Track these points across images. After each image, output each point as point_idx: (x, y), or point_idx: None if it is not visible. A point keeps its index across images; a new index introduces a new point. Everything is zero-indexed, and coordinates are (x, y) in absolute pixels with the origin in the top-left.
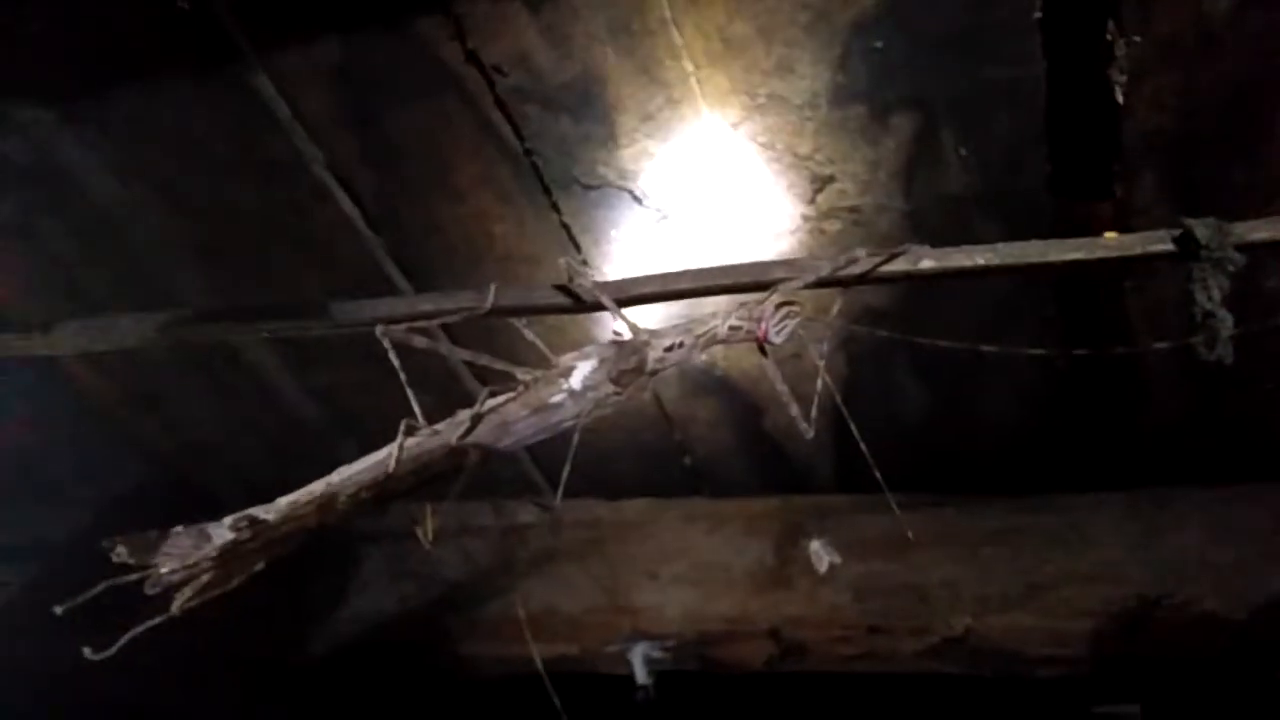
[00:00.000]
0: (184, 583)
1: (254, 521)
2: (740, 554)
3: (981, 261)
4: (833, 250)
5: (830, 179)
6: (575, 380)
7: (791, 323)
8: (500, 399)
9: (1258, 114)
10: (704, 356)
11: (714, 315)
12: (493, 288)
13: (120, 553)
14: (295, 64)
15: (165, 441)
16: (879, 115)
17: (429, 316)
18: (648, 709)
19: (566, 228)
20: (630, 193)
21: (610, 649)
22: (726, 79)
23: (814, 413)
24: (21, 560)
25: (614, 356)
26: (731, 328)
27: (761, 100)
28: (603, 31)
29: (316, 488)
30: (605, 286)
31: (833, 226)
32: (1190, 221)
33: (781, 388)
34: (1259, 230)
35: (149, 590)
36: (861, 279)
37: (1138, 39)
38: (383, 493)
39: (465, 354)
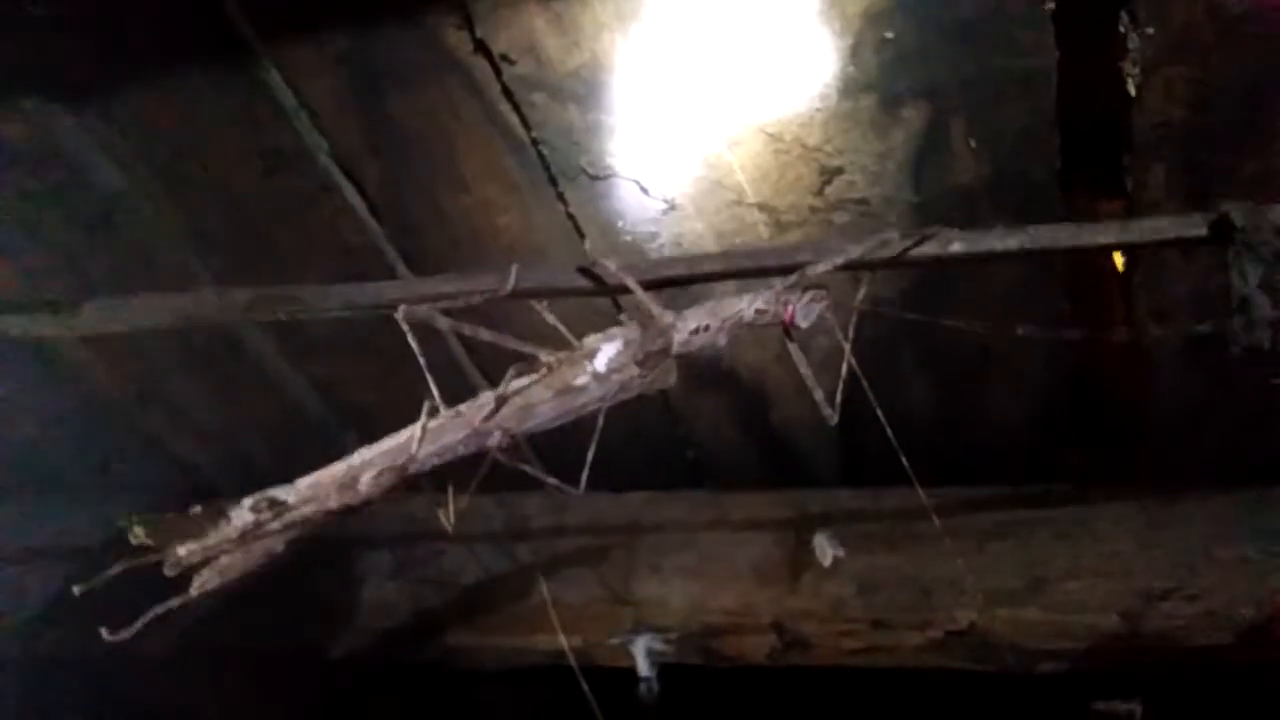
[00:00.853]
0: (203, 564)
1: (274, 503)
2: (743, 547)
3: (1013, 245)
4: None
5: (839, 170)
6: (600, 363)
7: (818, 306)
8: (524, 380)
9: (1271, 107)
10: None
11: (740, 298)
12: (514, 269)
13: (137, 534)
14: (301, 52)
15: (168, 433)
16: (889, 106)
17: (450, 298)
18: (650, 702)
19: (573, 218)
20: (637, 183)
21: (613, 641)
22: None
23: (838, 397)
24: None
25: (639, 339)
26: (758, 311)
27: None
28: (612, 19)
29: (337, 469)
30: (629, 269)
31: (841, 218)
32: (1226, 204)
33: (805, 371)
34: None
35: (168, 572)
36: (891, 262)
37: (1151, 30)
38: (403, 474)
39: (489, 335)
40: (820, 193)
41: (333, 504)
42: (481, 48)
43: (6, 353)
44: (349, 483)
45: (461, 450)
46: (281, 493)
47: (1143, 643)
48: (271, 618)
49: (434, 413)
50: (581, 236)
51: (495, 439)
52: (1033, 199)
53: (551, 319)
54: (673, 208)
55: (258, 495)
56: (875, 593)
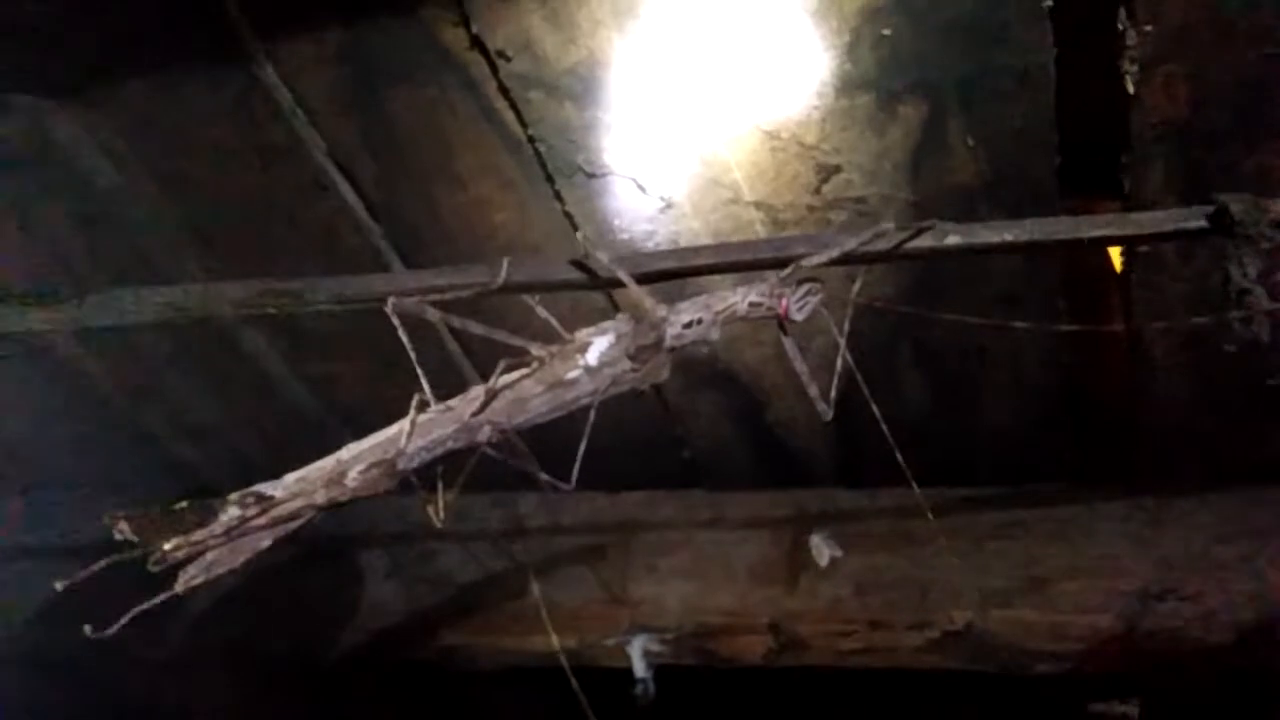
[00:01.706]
0: (189, 560)
1: (260, 498)
2: (740, 547)
3: (1009, 237)
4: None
5: (836, 169)
6: (592, 356)
7: (813, 300)
8: (515, 374)
9: (1270, 104)
10: (719, 334)
11: (734, 291)
12: (505, 262)
13: (122, 529)
14: (297, 49)
15: (163, 430)
16: (886, 104)
17: (440, 291)
18: (646, 702)
19: (569, 216)
20: (634, 181)
21: (609, 642)
22: None
23: (832, 393)
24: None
25: (632, 332)
26: (752, 304)
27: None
28: (609, 17)
29: (325, 463)
30: (622, 261)
31: (838, 216)
32: (1225, 197)
33: (801, 367)
34: None
35: (152, 568)
36: (887, 255)
37: (1149, 28)
38: (393, 469)
39: (479, 328)
40: (818, 191)
41: (320, 499)
42: (478, 44)
43: (1, 350)
44: (337, 478)
45: (451, 445)
46: (268, 488)
47: (1140, 643)
48: (268, 618)
49: (423, 407)
50: (579, 235)
51: (485, 434)
52: (1031, 197)
53: (543, 312)
54: (669, 206)
55: (244, 491)
56: (872, 593)
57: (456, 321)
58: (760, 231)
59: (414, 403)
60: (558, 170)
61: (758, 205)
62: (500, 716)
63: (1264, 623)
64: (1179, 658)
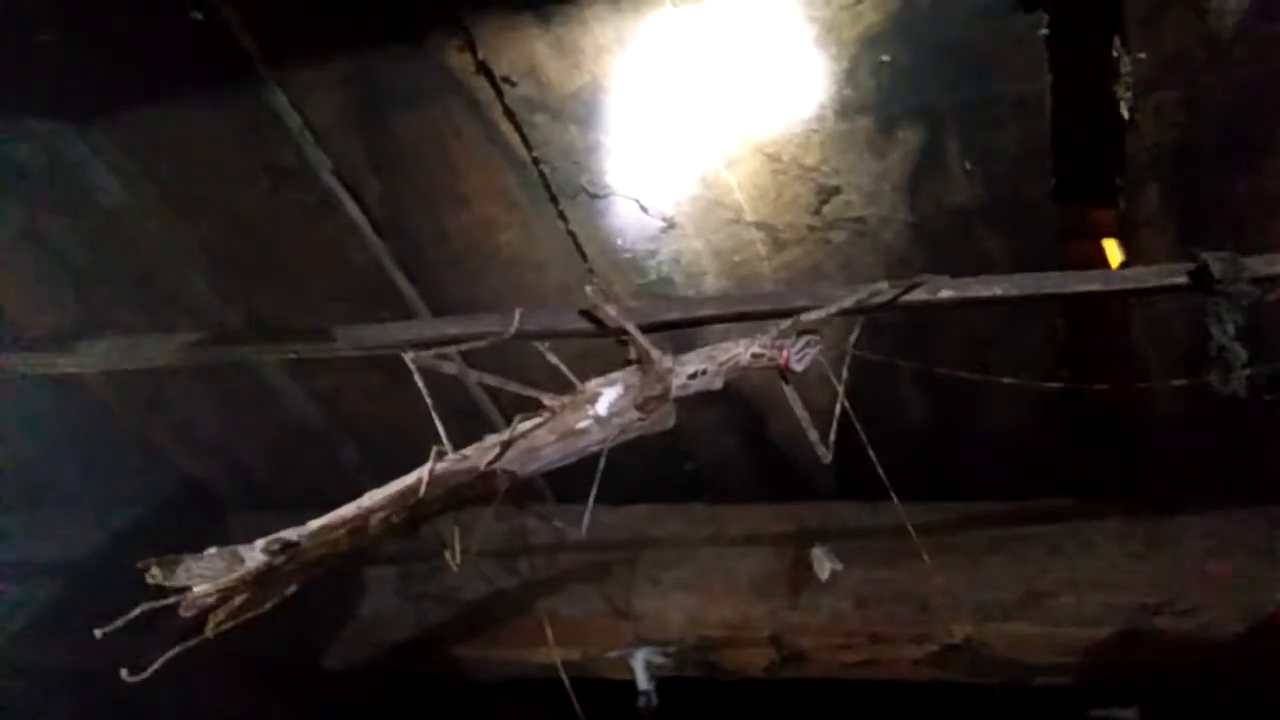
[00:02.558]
0: (218, 605)
1: (286, 545)
2: (742, 560)
3: (999, 291)
4: (838, 260)
5: (836, 190)
6: (601, 407)
7: (812, 351)
8: (529, 424)
9: (1263, 129)
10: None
11: (737, 343)
12: (518, 313)
13: (155, 575)
14: (306, 73)
15: (172, 445)
16: (885, 128)
17: (455, 341)
18: (649, 714)
19: (573, 235)
20: (637, 201)
21: (612, 654)
22: None
23: (832, 437)
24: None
25: (639, 383)
26: (754, 355)
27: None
28: (612, 43)
29: (347, 511)
30: (629, 313)
31: (838, 237)
32: (1205, 255)
33: (802, 414)
34: (1275, 264)
35: (183, 612)
36: (882, 308)
37: (1143, 55)
38: (412, 516)
39: (492, 380)
40: (818, 212)
41: (343, 546)
42: (484, 69)
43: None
44: (359, 525)
45: (468, 494)
46: (293, 534)
47: (1136, 656)
48: (275, 630)
49: (441, 455)
50: (582, 254)
51: (500, 482)
52: (1027, 220)
53: (554, 359)
54: (672, 226)
55: (270, 538)
56: (873, 606)
57: (473, 375)
58: (761, 251)
59: (433, 453)
60: (561, 191)
61: (759, 225)
62: None
63: (1258, 636)
64: (1175, 670)
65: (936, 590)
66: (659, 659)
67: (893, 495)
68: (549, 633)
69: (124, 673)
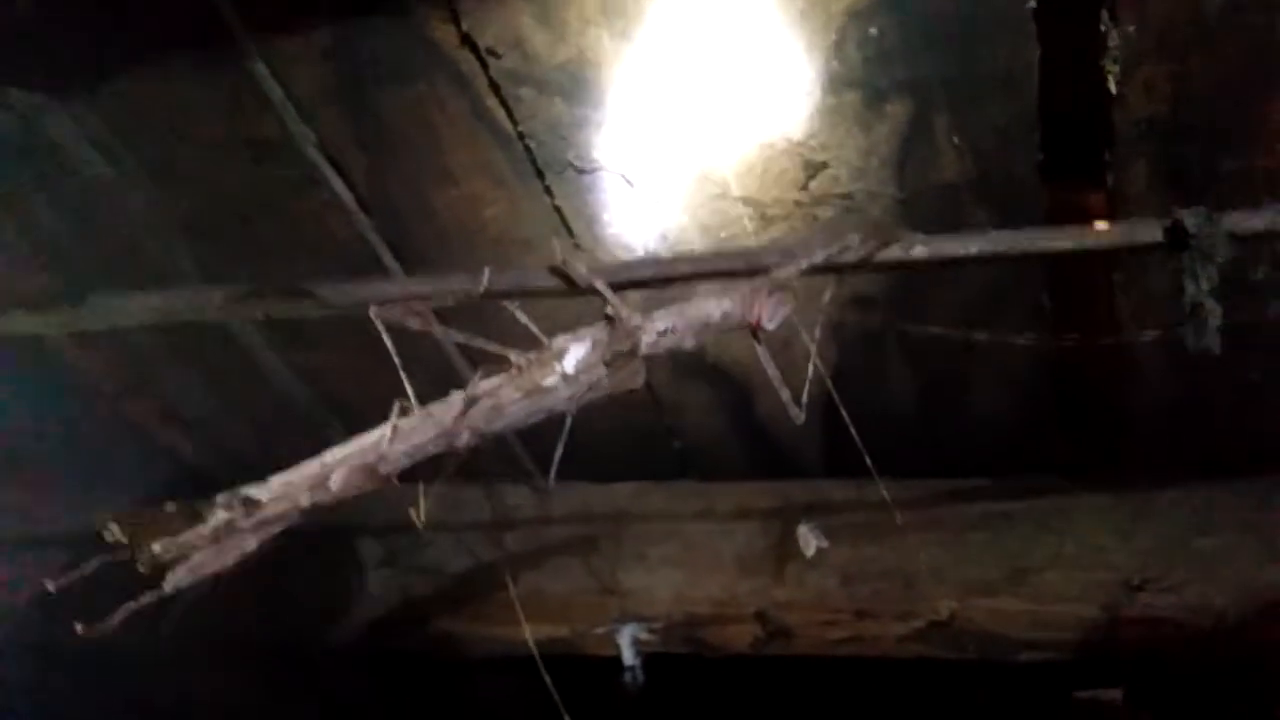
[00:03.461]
0: (176, 561)
1: (246, 500)
2: (728, 537)
3: (974, 250)
4: (826, 236)
5: (823, 165)
6: (568, 363)
7: (785, 309)
8: (493, 381)
9: (1251, 103)
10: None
11: (707, 300)
12: (486, 271)
13: (112, 531)
14: (289, 45)
15: (156, 424)
16: (873, 102)
17: (423, 298)
18: (635, 690)
19: (559, 211)
20: (623, 176)
21: (599, 631)
22: None
23: (805, 398)
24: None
25: (607, 339)
26: (725, 313)
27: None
28: (598, 15)
29: (309, 467)
30: (599, 270)
31: (825, 213)
32: (1180, 212)
33: (773, 372)
34: (1249, 221)
35: (141, 569)
36: (855, 266)
37: (1131, 29)
38: (375, 473)
39: (459, 336)
40: (805, 187)
41: (304, 502)
42: (468, 42)
43: None
44: (320, 481)
45: (431, 449)
46: (254, 491)
47: (1122, 633)
48: (262, 607)
49: (405, 412)
50: (569, 230)
51: (464, 439)
52: (1015, 195)
53: (523, 318)
54: (658, 201)
55: (230, 493)
56: (858, 583)
57: (439, 330)
58: (748, 227)
59: (395, 408)
60: (548, 166)
61: (745, 201)
62: (491, 704)
63: (1242, 612)
64: (1160, 646)
65: (922, 567)
66: (645, 635)
67: (874, 473)
68: (519, 610)
69: (78, 626)
